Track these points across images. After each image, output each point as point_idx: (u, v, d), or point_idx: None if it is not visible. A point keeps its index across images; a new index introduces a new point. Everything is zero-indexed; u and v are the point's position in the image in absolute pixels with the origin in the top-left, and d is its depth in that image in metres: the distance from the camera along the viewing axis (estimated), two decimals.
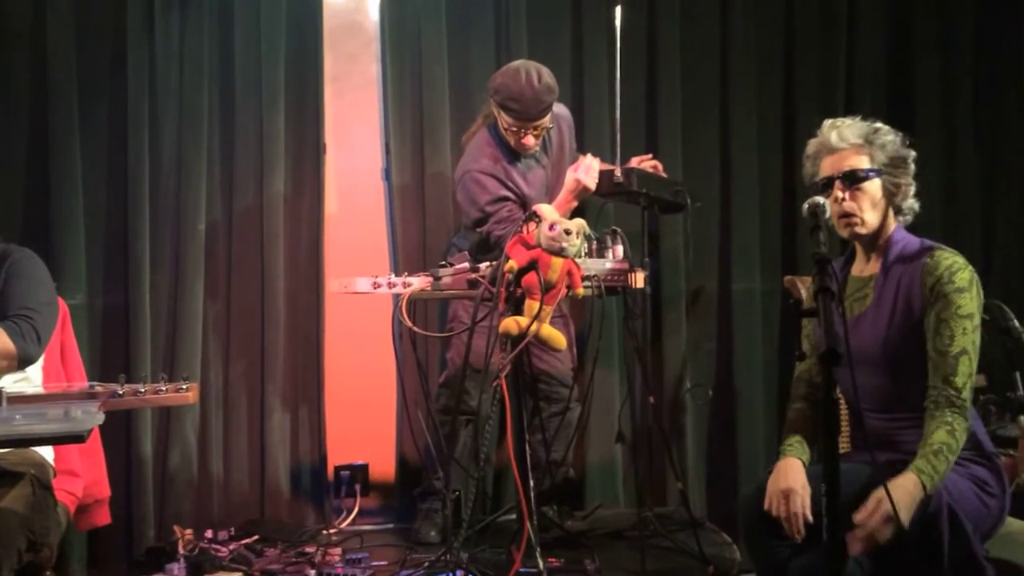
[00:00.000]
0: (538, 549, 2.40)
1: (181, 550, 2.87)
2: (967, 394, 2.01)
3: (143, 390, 2.02)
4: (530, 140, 2.96)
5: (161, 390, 2.02)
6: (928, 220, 3.58)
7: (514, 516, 2.76)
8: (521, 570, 2.45)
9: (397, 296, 2.54)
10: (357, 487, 3.40)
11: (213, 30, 3.34)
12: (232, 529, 3.11)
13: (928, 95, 3.79)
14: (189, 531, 2.96)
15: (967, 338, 2.01)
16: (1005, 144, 3.87)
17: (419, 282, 2.53)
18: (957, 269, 2.05)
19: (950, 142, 3.83)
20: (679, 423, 3.58)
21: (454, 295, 2.53)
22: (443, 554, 2.52)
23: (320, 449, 3.39)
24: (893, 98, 3.78)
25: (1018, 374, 2.60)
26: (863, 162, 2.14)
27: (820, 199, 1.91)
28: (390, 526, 3.38)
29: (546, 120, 2.95)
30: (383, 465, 3.48)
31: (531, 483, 2.49)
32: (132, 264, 3.22)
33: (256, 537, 3.06)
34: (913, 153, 2.20)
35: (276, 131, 3.36)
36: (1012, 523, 2.20)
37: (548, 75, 2.90)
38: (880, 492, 1.86)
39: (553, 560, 2.57)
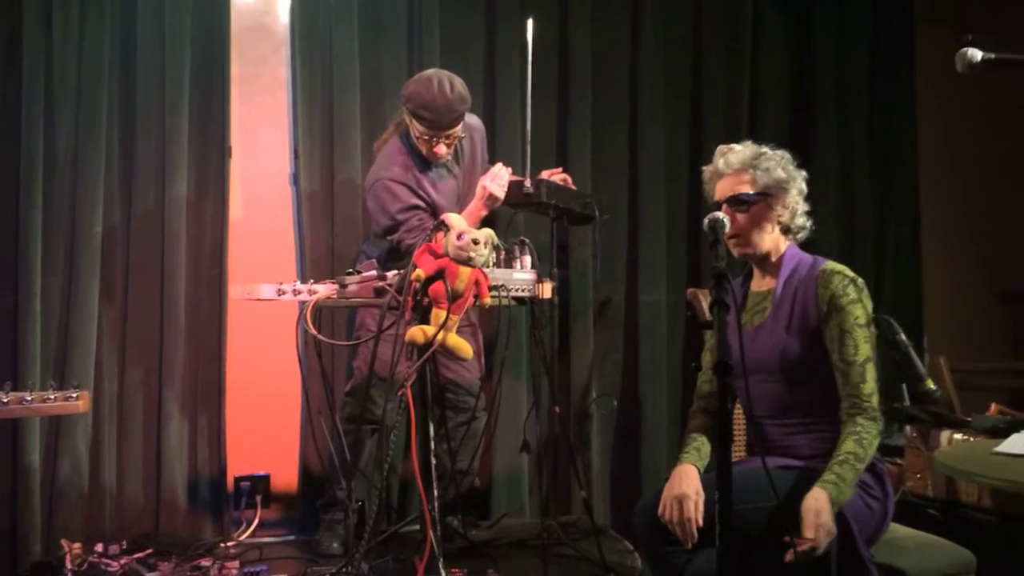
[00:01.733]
0: (441, 560, 2.38)
1: (69, 565, 2.75)
2: (876, 399, 2.12)
3: (30, 398, 1.93)
4: (442, 149, 2.96)
5: (49, 398, 1.93)
6: (826, 237, 3.78)
7: (418, 527, 2.74)
8: None
9: (303, 303, 2.50)
10: (258, 498, 3.32)
11: (115, 25, 3.23)
12: (124, 543, 2.99)
13: (826, 115, 3.95)
14: (78, 545, 2.84)
15: (868, 346, 2.13)
16: (897, 165, 4.07)
17: (325, 290, 2.49)
18: (849, 282, 2.17)
19: (846, 161, 4.00)
20: (585, 432, 3.62)
21: (360, 303, 2.50)
22: (344, 566, 2.48)
23: (219, 459, 3.29)
24: (794, 117, 3.93)
25: (904, 386, 2.70)
26: (746, 186, 2.24)
27: (720, 214, 1.97)
28: (291, 538, 3.31)
29: (458, 129, 2.95)
30: (285, 475, 3.41)
31: (435, 493, 2.48)
32: (22, 266, 3.07)
33: (149, 551, 2.95)
34: (803, 174, 2.30)
35: (179, 132, 3.26)
36: (897, 528, 2.30)
37: (461, 85, 2.91)
38: (812, 507, 1.95)
39: (456, 571, 2.56)
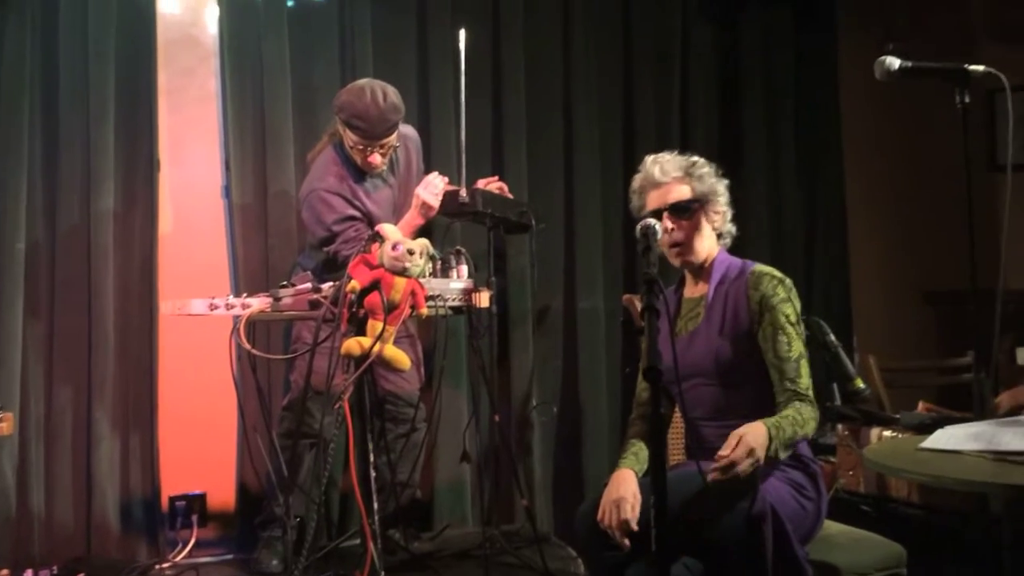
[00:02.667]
0: (382, 573, 2.36)
1: None
2: (811, 392, 2.17)
3: None
4: (376, 159, 2.94)
5: None
6: (757, 240, 3.87)
7: (359, 541, 2.70)
8: None
9: (236, 318, 2.45)
10: (194, 517, 3.25)
11: (36, 35, 3.14)
12: (54, 567, 2.90)
13: (754, 122, 4.04)
14: (5, 572, 2.75)
15: (800, 342, 2.19)
16: (823, 169, 4.18)
17: (258, 303, 2.46)
18: (778, 282, 2.23)
19: (774, 166, 4.10)
20: (526, 440, 3.63)
21: (295, 316, 2.46)
22: None
23: (153, 479, 3.21)
24: (724, 124, 4.01)
25: (835, 385, 2.77)
26: (686, 193, 2.27)
27: (652, 221, 2.00)
28: (229, 557, 3.24)
29: (392, 139, 2.93)
30: (222, 494, 3.34)
31: (375, 506, 2.45)
32: None
33: (81, 575, 2.86)
34: (726, 181, 2.37)
35: (105, 144, 3.18)
36: (831, 525, 2.35)
37: (394, 94, 2.89)
38: (740, 430, 2.00)
39: None
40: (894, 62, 2.13)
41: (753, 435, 2.00)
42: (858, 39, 4.25)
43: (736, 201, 2.39)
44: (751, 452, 1.98)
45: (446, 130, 3.51)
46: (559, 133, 3.74)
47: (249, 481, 3.28)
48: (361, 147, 2.90)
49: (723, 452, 1.98)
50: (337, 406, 2.28)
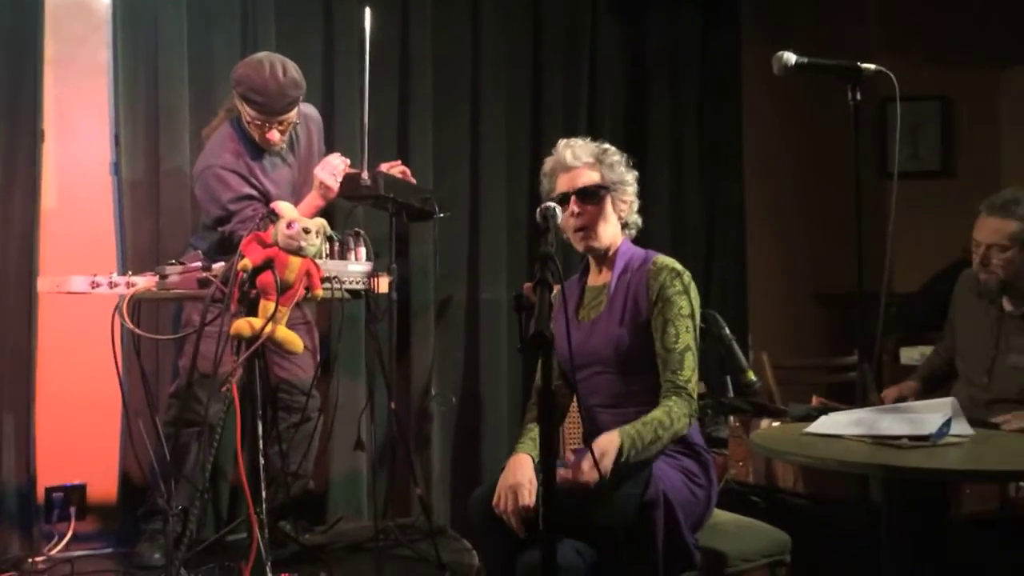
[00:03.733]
0: (269, 562, 2.28)
1: None
2: (693, 385, 2.18)
3: None
4: (275, 135, 2.85)
5: None
6: (659, 235, 3.92)
7: (246, 534, 2.61)
8: None
9: (121, 297, 2.34)
10: (72, 509, 3.09)
11: None
12: None
13: (659, 118, 4.09)
14: None
15: (690, 335, 2.20)
16: (724, 169, 4.28)
17: (144, 282, 2.35)
18: (677, 274, 2.24)
19: (678, 163, 4.17)
20: (424, 432, 3.58)
21: (182, 294, 2.36)
22: (162, 574, 2.33)
23: (29, 469, 3.04)
24: (629, 119, 4.05)
25: (728, 378, 2.82)
26: (595, 178, 2.28)
27: (552, 204, 1.99)
28: (109, 550, 3.09)
29: (292, 115, 2.85)
30: (103, 484, 3.19)
31: (263, 495, 2.37)
32: None
33: None
34: (635, 173, 2.38)
35: None
36: (719, 514, 2.38)
37: (294, 69, 2.81)
38: (599, 445, 2.00)
39: (286, 575, 2.46)
40: (791, 57, 2.19)
41: (599, 446, 2.00)
42: (762, 43, 4.36)
43: (640, 194, 2.40)
44: (592, 465, 1.96)
45: (350, 113, 3.43)
46: (466, 121, 3.71)
47: (132, 471, 3.13)
48: (259, 123, 2.81)
49: (568, 464, 1.97)
50: (224, 388, 2.19)
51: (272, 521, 2.60)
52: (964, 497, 2.29)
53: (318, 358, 3.11)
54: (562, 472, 1.94)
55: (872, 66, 2.17)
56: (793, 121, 4.51)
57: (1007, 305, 2.78)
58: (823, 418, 1.92)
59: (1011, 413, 2.56)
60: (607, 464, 1.97)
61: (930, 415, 1.80)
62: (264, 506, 2.36)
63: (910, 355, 3.97)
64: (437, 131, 3.65)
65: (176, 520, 2.69)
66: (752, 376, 2.60)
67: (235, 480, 3.23)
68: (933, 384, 3.01)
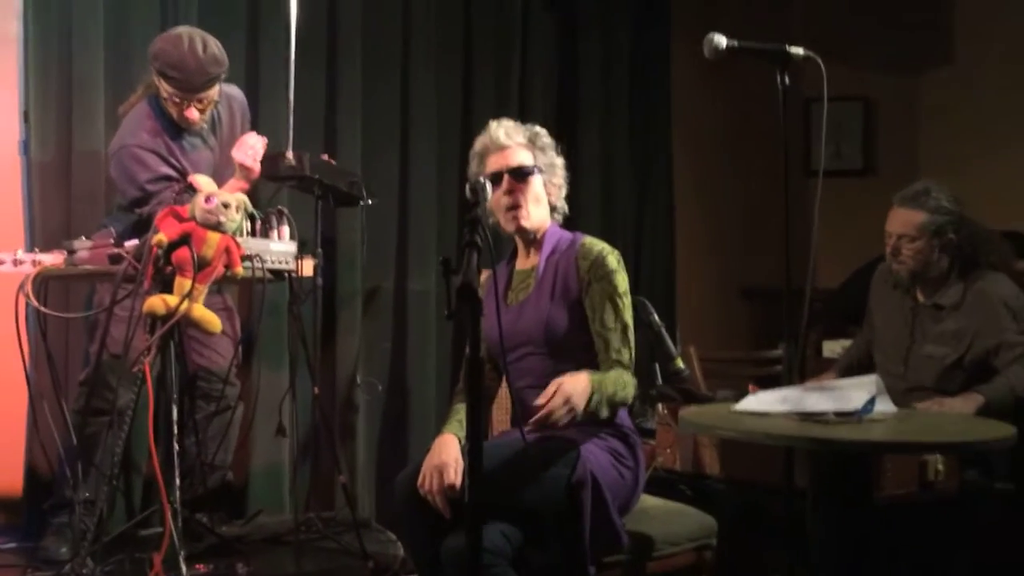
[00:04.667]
0: (182, 553, 2.18)
1: None
2: (632, 363, 2.17)
3: None
4: (194, 113, 2.75)
5: None
6: (589, 226, 3.90)
7: (160, 527, 2.50)
8: None
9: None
10: None
11: None
12: None
13: (590, 110, 4.09)
14: None
15: (627, 313, 2.20)
16: (654, 165, 4.30)
17: (51, 259, 2.23)
18: (608, 253, 2.23)
19: (608, 157, 4.17)
20: (350, 423, 3.50)
21: (93, 271, 2.24)
22: (67, 567, 2.21)
23: None
24: (560, 117, 4.04)
25: (656, 365, 2.82)
26: (528, 159, 2.25)
27: (483, 178, 1.95)
28: (12, 546, 2.92)
29: (212, 93, 2.75)
30: (8, 477, 3.02)
31: (177, 481, 2.27)
32: None
33: None
34: (563, 160, 2.37)
35: None
36: (646, 499, 2.38)
37: (215, 45, 2.72)
38: (559, 379, 1.98)
39: (200, 566, 2.36)
40: (722, 40, 2.19)
41: (572, 384, 1.99)
42: (691, 35, 4.39)
43: (570, 184, 2.39)
44: (568, 400, 1.96)
45: (275, 92, 3.33)
46: (396, 105, 3.64)
47: (38, 462, 2.97)
48: (177, 100, 2.71)
49: (540, 400, 1.96)
50: (136, 368, 2.09)
51: (188, 513, 2.50)
52: (885, 480, 2.32)
53: (239, 347, 3.02)
54: (533, 421, 1.93)
55: (801, 51, 2.19)
56: (721, 117, 4.57)
57: (920, 296, 2.84)
58: (750, 397, 1.93)
59: (931, 400, 2.62)
60: (579, 403, 1.96)
61: (855, 392, 1.82)
62: (178, 494, 2.26)
63: (832, 348, 4.04)
64: (365, 117, 3.57)
65: (86, 513, 2.57)
66: (681, 364, 2.61)
67: (149, 473, 3.10)
68: (852, 375, 3.06)
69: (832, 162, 4.61)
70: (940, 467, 2.40)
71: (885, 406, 1.86)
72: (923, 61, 4.60)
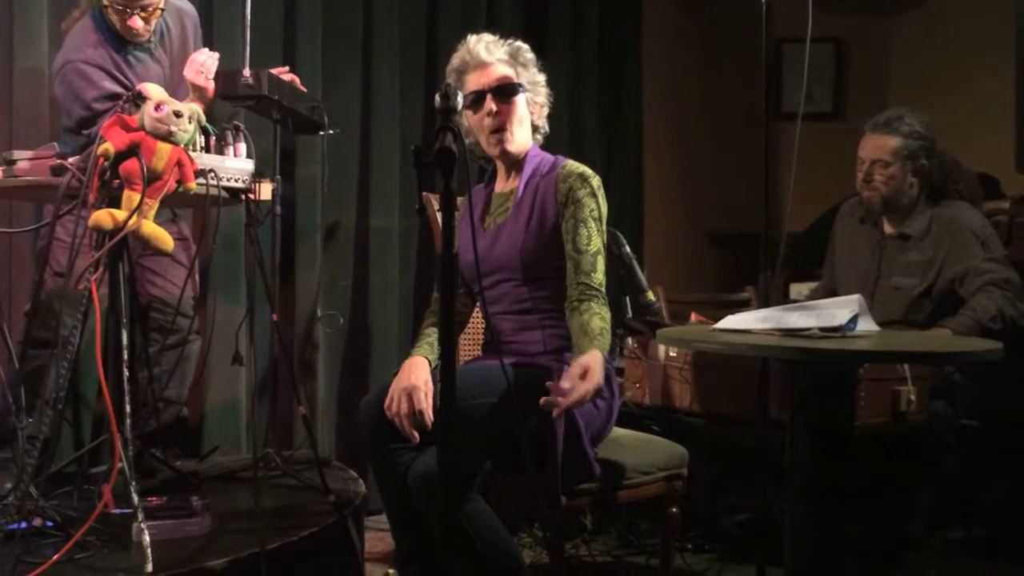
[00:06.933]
0: (133, 483, 2.07)
1: None
2: (601, 288, 2.10)
3: None
4: (137, 23, 2.59)
5: None
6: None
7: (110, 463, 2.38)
8: (114, 511, 2.12)
9: None
10: None
11: None
12: None
13: (558, 52, 3.97)
14: None
15: (600, 238, 2.12)
16: (622, 113, 4.21)
17: None
18: (588, 176, 2.16)
19: (577, 99, 4.06)
20: (310, 360, 3.39)
21: (33, 183, 2.09)
22: (7, 497, 2.10)
23: None
24: (529, 40, 3.91)
25: (627, 298, 2.76)
26: (512, 75, 2.15)
27: (452, 84, 1.84)
28: None
29: (157, 1, 2.59)
30: None
31: (128, 409, 2.16)
32: None
33: None
34: (544, 76, 2.25)
35: None
36: (616, 430, 2.34)
37: None
38: (583, 361, 1.89)
39: (153, 499, 2.25)
40: None
41: (596, 366, 1.90)
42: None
43: None
44: (595, 383, 1.88)
45: (231, 7, 3.16)
46: (357, 32, 3.49)
47: None
48: (119, 7, 2.55)
49: (566, 384, 1.86)
50: (82, 286, 1.96)
51: (140, 446, 2.39)
52: (859, 409, 2.30)
53: (197, 278, 2.89)
54: (563, 407, 1.84)
55: None
56: (691, 63, 4.49)
57: (888, 227, 2.81)
58: (730, 317, 1.87)
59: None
60: (598, 376, 1.88)
61: (838, 310, 1.77)
62: (128, 423, 2.14)
63: (799, 291, 4.01)
64: (326, 39, 3.41)
65: (31, 448, 2.44)
66: (652, 296, 2.54)
67: (100, 409, 2.97)
68: None
69: (799, 106, 4.55)
70: (912, 397, 2.39)
71: (868, 324, 1.82)
72: (895, 3, 4.55)
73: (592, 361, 1.90)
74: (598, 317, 2.03)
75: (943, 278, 2.67)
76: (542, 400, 1.82)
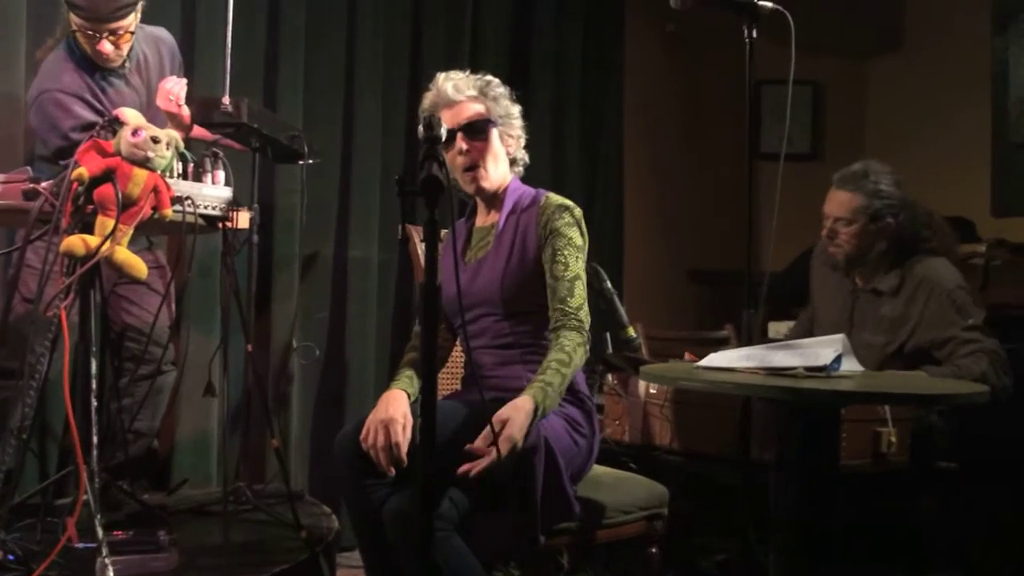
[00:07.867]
0: (98, 517, 2.01)
1: None
2: (583, 314, 2.07)
3: None
4: (106, 47, 2.56)
5: None
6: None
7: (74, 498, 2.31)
8: (77, 545, 2.05)
9: None
10: None
11: None
12: None
13: (542, 86, 3.98)
14: None
15: (580, 265, 2.10)
16: (603, 148, 4.23)
17: None
18: (569, 207, 2.16)
19: (560, 140, 4.08)
20: (284, 392, 3.34)
21: (5, 207, 2.05)
22: None
23: None
24: (512, 75, 3.93)
25: (608, 335, 2.74)
26: (481, 111, 2.14)
27: (434, 113, 1.83)
28: None
29: (125, 23, 2.55)
30: None
31: (95, 440, 2.10)
32: None
33: None
34: (519, 107, 2.26)
35: None
36: (596, 468, 2.30)
37: None
38: (503, 413, 1.84)
39: (119, 533, 2.18)
40: None
41: (518, 419, 1.84)
42: (644, 13, 4.35)
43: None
44: (510, 440, 1.82)
45: (211, 38, 3.14)
46: (340, 59, 3.47)
47: None
48: (89, 32, 2.53)
49: (479, 445, 1.81)
50: (51, 313, 1.91)
51: (107, 478, 2.32)
52: (841, 450, 2.28)
53: (173, 307, 2.84)
54: (476, 471, 1.79)
55: (769, 4, 2.13)
56: (674, 101, 4.53)
57: (859, 281, 2.80)
58: (713, 355, 1.85)
59: None
60: (514, 432, 1.82)
61: (822, 349, 1.75)
62: (95, 453, 2.08)
63: (778, 329, 4.01)
64: (308, 68, 3.40)
65: None
66: (632, 332, 2.53)
67: (67, 442, 2.90)
68: None
69: (780, 146, 4.59)
70: (893, 439, 2.37)
71: (851, 364, 1.81)
72: (872, 46, 4.61)
73: (514, 413, 1.85)
74: (556, 348, 2.00)
75: (916, 339, 2.63)
76: (459, 470, 1.78)
